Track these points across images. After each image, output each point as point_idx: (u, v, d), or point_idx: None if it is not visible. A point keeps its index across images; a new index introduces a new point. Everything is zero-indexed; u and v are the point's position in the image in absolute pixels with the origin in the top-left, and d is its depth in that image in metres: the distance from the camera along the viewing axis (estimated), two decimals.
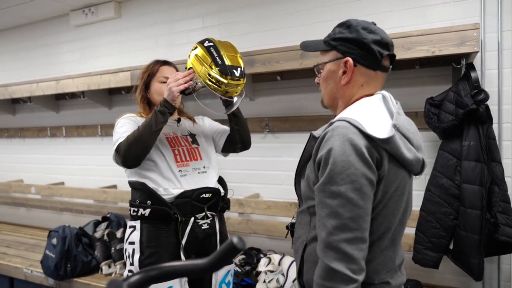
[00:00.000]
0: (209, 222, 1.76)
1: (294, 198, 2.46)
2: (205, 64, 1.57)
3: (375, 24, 1.13)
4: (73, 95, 3.22)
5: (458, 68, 2.00)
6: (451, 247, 1.93)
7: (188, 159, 1.77)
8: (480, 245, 1.79)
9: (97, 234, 2.70)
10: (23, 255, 2.90)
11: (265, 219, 2.55)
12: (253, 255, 2.46)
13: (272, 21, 2.54)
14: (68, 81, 2.94)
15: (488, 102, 1.82)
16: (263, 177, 2.64)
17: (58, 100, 3.50)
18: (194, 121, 1.94)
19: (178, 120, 1.88)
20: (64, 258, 2.42)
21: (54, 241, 2.46)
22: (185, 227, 1.70)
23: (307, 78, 2.42)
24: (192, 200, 1.70)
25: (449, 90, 1.94)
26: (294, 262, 2.19)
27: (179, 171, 1.73)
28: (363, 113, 1.05)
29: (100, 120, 3.27)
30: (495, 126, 1.96)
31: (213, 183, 1.81)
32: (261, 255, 2.44)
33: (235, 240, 0.62)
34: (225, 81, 1.55)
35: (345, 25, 1.12)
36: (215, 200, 1.78)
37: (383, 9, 2.22)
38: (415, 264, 1.96)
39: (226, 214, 2.61)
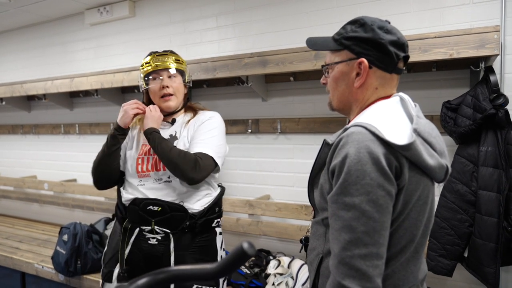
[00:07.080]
0: (159, 238, 1.60)
1: (305, 200, 2.45)
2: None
3: (389, 23, 1.05)
4: (86, 93, 3.24)
5: (476, 71, 1.95)
6: (465, 254, 1.88)
7: (150, 169, 1.65)
8: (496, 254, 1.74)
9: (108, 232, 2.70)
10: (35, 250, 2.92)
11: (275, 221, 2.53)
12: (263, 257, 2.44)
13: (286, 21, 2.51)
14: (82, 79, 2.96)
15: (507, 107, 1.77)
16: (274, 179, 2.62)
17: (72, 97, 3.53)
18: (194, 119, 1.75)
19: (173, 122, 1.78)
20: (75, 255, 2.43)
21: (65, 237, 2.47)
22: (130, 235, 1.64)
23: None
24: (139, 210, 1.62)
25: (467, 93, 1.90)
26: (304, 266, 2.16)
27: (140, 180, 1.67)
28: (381, 117, 0.98)
29: (113, 118, 3.26)
30: None
31: (174, 196, 1.62)
32: (271, 257, 2.42)
33: (245, 245, 0.59)
34: (149, 57, 1.75)
35: (358, 23, 1.04)
36: (170, 216, 1.59)
37: (400, 10, 2.18)
38: (428, 271, 1.92)
39: (236, 215, 2.62)
